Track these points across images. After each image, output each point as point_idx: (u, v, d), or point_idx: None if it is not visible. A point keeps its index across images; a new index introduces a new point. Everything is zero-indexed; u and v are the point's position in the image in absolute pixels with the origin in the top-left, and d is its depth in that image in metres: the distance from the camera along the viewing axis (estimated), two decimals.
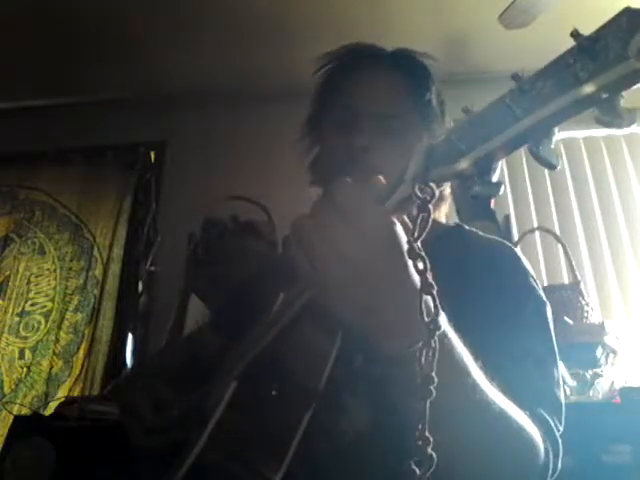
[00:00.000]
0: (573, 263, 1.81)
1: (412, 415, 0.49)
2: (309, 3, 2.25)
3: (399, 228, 0.47)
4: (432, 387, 0.40)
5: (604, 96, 0.36)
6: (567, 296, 1.66)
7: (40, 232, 2.68)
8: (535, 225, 2.30)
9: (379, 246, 0.45)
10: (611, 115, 0.37)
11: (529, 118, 0.39)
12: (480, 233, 0.86)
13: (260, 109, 2.55)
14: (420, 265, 0.43)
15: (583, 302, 1.65)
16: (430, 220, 0.43)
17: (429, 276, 0.43)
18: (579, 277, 1.75)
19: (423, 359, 0.41)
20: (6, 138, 2.70)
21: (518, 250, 0.84)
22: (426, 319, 0.43)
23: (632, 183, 2.39)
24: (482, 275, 0.72)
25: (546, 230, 2.12)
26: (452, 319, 0.49)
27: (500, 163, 0.43)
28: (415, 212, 0.44)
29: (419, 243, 0.44)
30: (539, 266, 2.23)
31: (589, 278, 2.21)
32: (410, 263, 0.45)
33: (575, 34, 0.37)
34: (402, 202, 0.47)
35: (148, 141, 2.75)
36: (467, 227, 0.88)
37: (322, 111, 0.91)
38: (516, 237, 2.12)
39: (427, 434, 0.40)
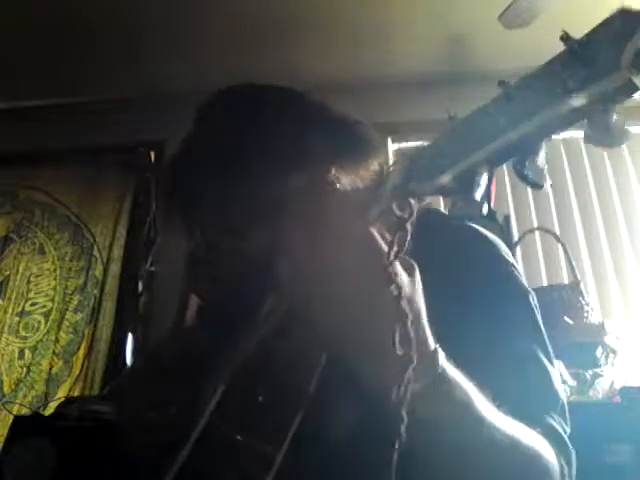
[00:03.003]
0: (573, 263, 1.81)
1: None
2: (309, 3, 2.25)
3: (379, 239, 0.44)
4: (402, 428, 0.38)
5: (595, 109, 0.32)
6: (567, 296, 1.66)
7: (40, 232, 2.68)
8: (535, 225, 2.30)
9: (360, 257, 0.43)
10: (600, 132, 0.33)
11: (515, 131, 0.35)
12: (457, 221, 0.77)
13: None
14: (394, 291, 0.41)
15: (583, 302, 1.65)
16: (407, 240, 0.41)
17: (404, 304, 0.41)
18: (579, 277, 1.75)
19: (394, 395, 0.39)
20: (6, 138, 2.70)
21: (495, 237, 0.76)
22: (399, 352, 0.40)
23: (632, 183, 2.39)
24: (461, 272, 0.66)
25: (546, 230, 2.12)
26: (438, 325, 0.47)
27: (485, 179, 0.38)
28: (392, 231, 0.42)
29: (394, 266, 0.41)
30: (539, 266, 2.23)
31: (589, 278, 2.21)
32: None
33: (565, 37, 0.34)
34: (381, 214, 0.44)
35: (148, 141, 2.74)
36: (442, 213, 0.82)
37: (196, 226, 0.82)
38: (516, 237, 2.13)
39: None
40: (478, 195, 0.38)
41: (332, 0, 2.24)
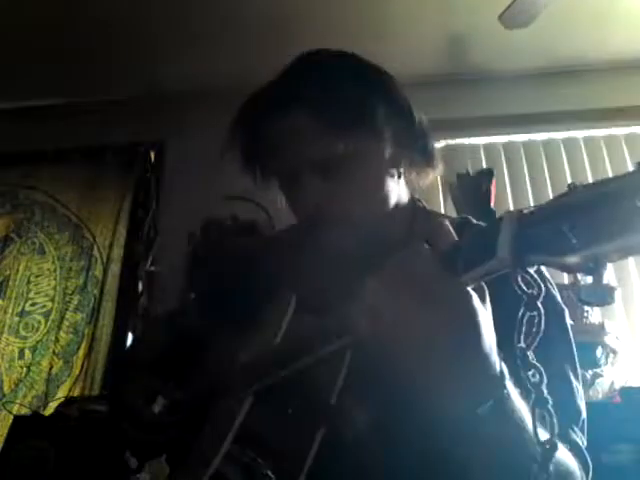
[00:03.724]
0: None
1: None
2: (309, 3, 2.25)
3: (476, 301, 0.44)
4: None
5: None
6: (567, 296, 1.65)
7: (40, 232, 2.68)
8: None
9: (450, 318, 0.44)
10: None
11: None
12: None
13: None
14: (533, 377, 0.41)
15: None
16: (542, 324, 0.40)
17: (544, 389, 0.41)
18: (579, 277, 1.75)
19: None
20: (6, 138, 2.70)
21: None
22: (541, 438, 0.40)
23: None
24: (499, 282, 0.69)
25: None
26: None
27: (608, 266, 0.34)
28: (521, 311, 0.41)
29: (532, 350, 0.41)
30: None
31: (589, 278, 2.20)
32: (485, 337, 0.44)
33: None
34: (485, 275, 0.43)
35: (148, 141, 2.74)
36: (474, 221, 0.83)
37: (261, 173, 0.84)
38: None
39: None
40: (606, 278, 0.36)
41: (331, 0, 2.24)
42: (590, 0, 2.12)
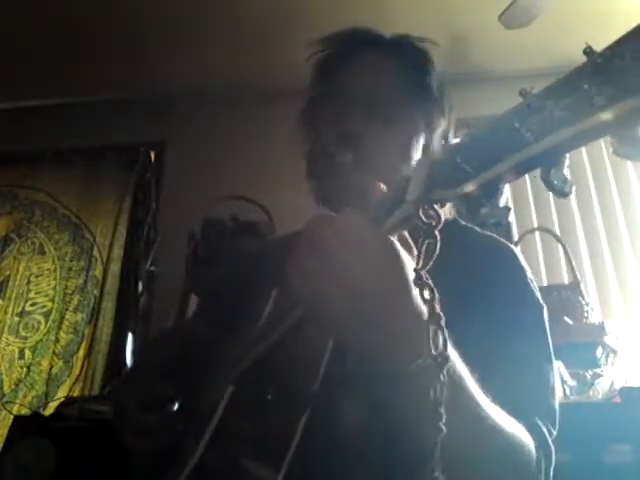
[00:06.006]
0: (573, 263, 1.80)
1: (409, 422, 0.49)
2: (310, 3, 2.25)
3: (400, 249, 0.45)
4: (442, 424, 0.40)
5: (624, 124, 0.32)
6: (567, 296, 1.65)
7: (40, 232, 2.68)
8: (535, 225, 2.30)
9: (379, 269, 0.44)
10: (630, 146, 0.33)
11: (540, 143, 0.35)
12: (477, 230, 0.83)
13: (260, 109, 2.55)
14: (427, 294, 0.42)
15: (583, 302, 1.65)
16: (437, 247, 0.42)
17: (437, 306, 0.42)
18: (579, 277, 1.75)
19: (432, 394, 0.40)
20: (6, 138, 2.70)
21: (517, 249, 0.81)
22: (434, 352, 0.41)
23: (632, 183, 2.39)
24: (479, 276, 0.70)
25: (546, 230, 2.12)
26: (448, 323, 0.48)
27: (507, 186, 0.38)
28: (421, 239, 0.42)
29: (425, 271, 0.42)
30: (539, 266, 2.23)
31: (589, 278, 2.21)
32: (413, 287, 0.44)
33: (588, 51, 0.33)
34: (402, 221, 0.45)
35: (148, 141, 2.75)
36: (463, 222, 0.85)
37: (316, 100, 0.89)
38: (516, 237, 2.13)
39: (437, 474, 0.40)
40: (502, 202, 0.39)
41: (330, 0, 2.24)
42: (590, 0, 2.12)
